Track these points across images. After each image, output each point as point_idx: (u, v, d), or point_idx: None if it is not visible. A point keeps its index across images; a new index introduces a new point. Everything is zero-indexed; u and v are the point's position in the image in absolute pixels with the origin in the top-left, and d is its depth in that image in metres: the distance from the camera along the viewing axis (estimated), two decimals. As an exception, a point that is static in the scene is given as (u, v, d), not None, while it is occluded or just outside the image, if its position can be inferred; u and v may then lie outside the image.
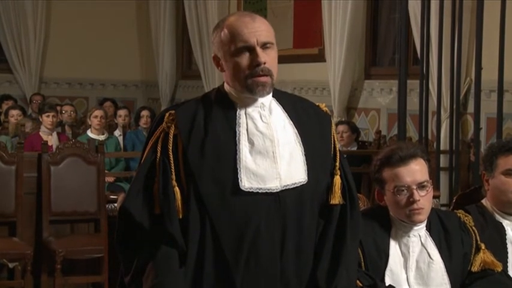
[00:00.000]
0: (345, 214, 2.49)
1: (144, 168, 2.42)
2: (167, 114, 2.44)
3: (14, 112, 8.54)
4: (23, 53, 11.44)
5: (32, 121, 8.50)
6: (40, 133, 7.69)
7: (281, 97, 2.51)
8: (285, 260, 2.40)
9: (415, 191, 2.81)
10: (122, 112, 9.26)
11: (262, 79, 2.38)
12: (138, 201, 2.38)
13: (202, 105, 2.46)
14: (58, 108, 8.83)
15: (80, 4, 11.50)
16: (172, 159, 2.38)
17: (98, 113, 8.02)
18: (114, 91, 12.10)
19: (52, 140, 7.61)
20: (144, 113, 8.86)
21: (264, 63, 2.37)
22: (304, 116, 2.51)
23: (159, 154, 2.40)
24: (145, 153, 2.46)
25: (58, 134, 7.96)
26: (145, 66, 12.35)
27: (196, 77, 11.00)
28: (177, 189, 2.36)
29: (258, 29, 2.39)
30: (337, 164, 2.52)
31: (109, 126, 8.85)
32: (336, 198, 2.47)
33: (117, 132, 8.83)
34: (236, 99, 2.45)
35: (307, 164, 2.43)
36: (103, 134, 7.96)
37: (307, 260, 2.44)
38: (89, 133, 7.90)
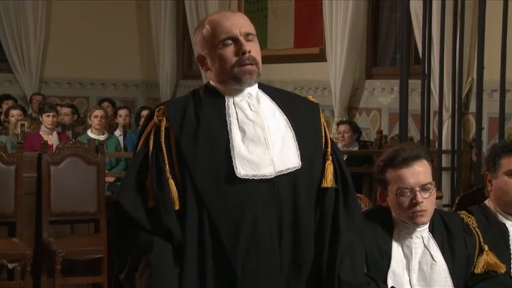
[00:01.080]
0: (338, 200, 2.49)
1: (136, 162, 2.42)
2: (157, 109, 2.46)
3: (15, 112, 8.51)
4: (23, 52, 11.42)
5: (32, 121, 8.47)
6: (40, 133, 7.67)
7: (267, 89, 2.54)
8: (284, 247, 2.40)
9: (418, 193, 2.78)
10: (122, 112, 9.24)
11: (249, 67, 2.41)
12: (131, 195, 2.38)
13: (192, 99, 2.48)
14: (58, 108, 8.80)
15: (80, 4, 11.48)
16: (165, 151, 2.38)
17: (98, 112, 8.00)
18: (114, 91, 12.09)
19: (52, 140, 7.59)
20: (145, 112, 8.81)
21: (249, 51, 2.41)
22: (292, 104, 2.53)
23: (151, 147, 2.40)
24: (137, 149, 2.46)
25: (58, 133, 7.93)
26: (146, 66, 12.33)
27: (196, 77, 10.97)
28: (171, 181, 2.36)
29: (239, 21, 2.45)
30: (329, 149, 2.52)
31: (109, 126, 8.83)
32: (328, 182, 2.47)
33: (118, 132, 8.81)
34: (223, 91, 2.47)
35: (299, 149, 2.44)
36: (103, 134, 7.93)
37: (306, 246, 2.44)
38: (89, 133, 7.87)
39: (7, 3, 11.22)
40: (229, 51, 2.41)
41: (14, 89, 11.39)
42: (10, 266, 5.43)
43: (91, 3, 11.53)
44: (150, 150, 2.39)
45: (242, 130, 2.41)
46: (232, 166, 2.35)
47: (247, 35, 2.43)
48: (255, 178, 2.37)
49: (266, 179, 2.38)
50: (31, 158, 5.82)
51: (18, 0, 11.25)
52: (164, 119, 2.41)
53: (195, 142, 2.37)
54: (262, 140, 2.41)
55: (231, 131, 2.40)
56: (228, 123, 2.41)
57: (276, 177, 2.39)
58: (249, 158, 2.38)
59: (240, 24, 2.44)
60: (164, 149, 2.38)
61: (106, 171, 6.40)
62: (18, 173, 5.69)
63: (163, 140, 2.39)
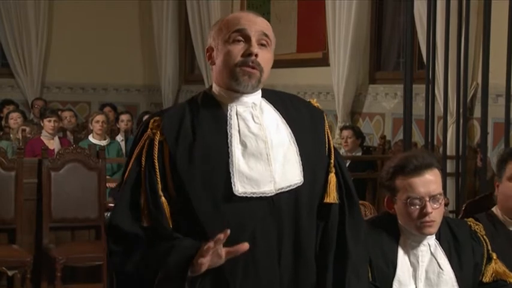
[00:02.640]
0: (343, 214, 2.39)
1: (130, 180, 2.31)
2: (152, 121, 2.33)
3: (14, 115, 8.48)
4: (24, 57, 11.38)
5: (33, 126, 8.44)
6: (41, 138, 7.62)
7: (270, 96, 2.41)
8: (284, 266, 2.30)
9: (428, 203, 2.72)
10: (124, 117, 9.18)
11: (250, 70, 2.29)
12: (126, 215, 2.27)
13: (189, 109, 2.35)
14: (59, 113, 8.76)
15: (82, 9, 11.46)
16: (157, 167, 2.27)
17: (100, 117, 7.95)
18: (116, 96, 12.03)
19: (54, 145, 7.54)
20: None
21: (256, 55, 2.29)
22: (296, 113, 2.41)
23: (144, 163, 2.29)
24: (130, 164, 2.34)
25: (60, 138, 7.89)
26: (148, 71, 12.29)
27: (199, 81, 10.93)
28: (163, 199, 2.26)
29: (259, 23, 2.33)
30: (332, 161, 2.41)
31: (111, 131, 8.78)
32: (331, 197, 2.36)
33: (120, 137, 8.76)
34: (225, 99, 2.35)
35: (302, 164, 2.33)
36: (105, 139, 7.88)
37: (307, 265, 2.34)
38: (91, 138, 7.82)
39: (9, 8, 11.18)
40: (237, 48, 2.29)
41: (15, 94, 11.34)
42: (10, 273, 5.39)
43: (93, 9, 11.49)
44: (143, 166, 2.29)
45: (243, 144, 2.29)
46: (230, 183, 2.24)
47: (262, 35, 2.31)
48: (254, 196, 2.26)
49: (266, 197, 2.27)
50: (31, 163, 5.79)
51: (20, 5, 11.22)
52: (158, 132, 2.30)
53: (191, 157, 2.26)
54: (264, 156, 2.29)
55: (231, 145, 2.27)
56: (229, 136, 2.29)
57: (276, 194, 2.28)
58: (249, 174, 2.26)
59: (257, 25, 2.32)
60: (157, 165, 2.27)
61: (107, 176, 6.36)
62: (19, 179, 5.66)
63: (156, 156, 2.28)
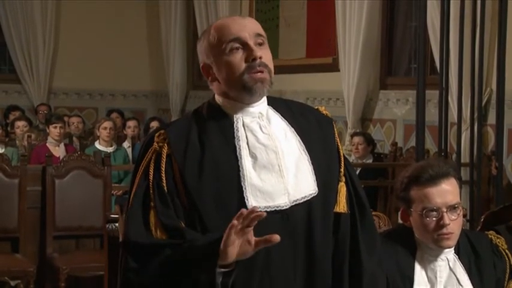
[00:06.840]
0: (355, 225, 2.29)
1: (138, 197, 2.19)
2: (157, 134, 2.23)
3: (20, 123, 8.42)
4: (31, 63, 11.36)
5: (39, 132, 8.36)
6: (47, 144, 7.53)
7: (276, 104, 2.31)
8: (299, 279, 2.20)
9: (445, 214, 2.58)
10: (131, 123, 9.10)
11: (260, 75, 2.18)
12: (141, 230, 2.15)
13: (195, 121, 2.25)
14: (66, 119, 8.68)
15: (89, 14, 11.42)
16: (165, 181, 2.17)
17: (107, 124, 7.86)
18: (123, 101, 11.97)
19: (59, 152, 7.45)
20: (154, 124, 8.69)
21: (260, 57, 2.18)
22: (304, 121, 2.31)
23: (151, 177, 2.18)
24: (136, 179, 2.22)
25: (65, 145, 7.79)
26: (156, 76, 12.22)
27: (207, 87, 10.50)
28: (173, 211, 2.16)
29: (248, 24, 2.22)
30: (342, 169, 2.30)
31: (118, 138, 8.69)
32: (340, 206, 2.26)
33: (126, 144, 8.67)
34: (230, 109, 2.25)
35: (315, 173, 2.23)
36: (111, 146, 7.79)
37: (322, 278, 2.23)
38: (97, 145, 7.73)
39: (15, 13, 11.17)
40: (237, 57, 2.18)
41: (22, 100, 11.31)
42: (13, 283, 5.33)
43: (100, 14, 11.46)
44: (151, 181, 2.18)
45: (253, 156, 2.19)
46: (243, 197, 2.14)
47: (257, 36, 2.20)
48: (268, 210, 2.14)
49: (280, 210, 2.17)
50: (35, 171, 5.72)
51: (26, 11, 11.18)
52: (165, 145, 2.20)
53: (201, 172, 2.16)
54: (276, 167, 2.19)
55: (240, 157, 2.18)
56: (237, 148, 2.19)
57: (290, 207, 2.18)
58: (262, 187, 2.16)
59: (248, 26, 2.21)
60: (164, 179, 2.17)
61: (114, 184, 6.25)
62: (22, 187, 5.58)
63: (163, 169, 2.18)
